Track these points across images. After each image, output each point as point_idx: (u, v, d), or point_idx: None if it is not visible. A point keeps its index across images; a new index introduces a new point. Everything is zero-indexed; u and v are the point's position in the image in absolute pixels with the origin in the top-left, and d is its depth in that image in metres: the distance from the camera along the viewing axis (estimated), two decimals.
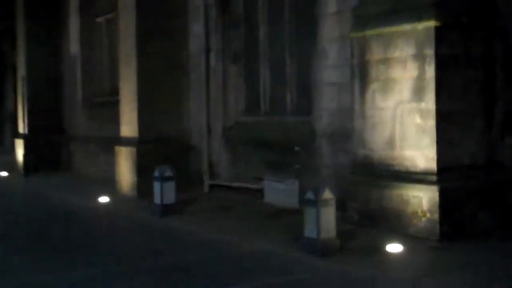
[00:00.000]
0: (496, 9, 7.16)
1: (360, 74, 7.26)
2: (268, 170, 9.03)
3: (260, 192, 9.03)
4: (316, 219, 5.90)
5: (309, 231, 6.02)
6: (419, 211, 6.52)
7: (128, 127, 10.40)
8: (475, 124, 6.90)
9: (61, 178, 13.28)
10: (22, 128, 14.99)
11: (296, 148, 8.50)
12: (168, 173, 8.16)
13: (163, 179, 8.13)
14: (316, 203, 5.90)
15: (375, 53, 7.09)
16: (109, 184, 10.73)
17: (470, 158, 6.84)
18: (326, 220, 5.94)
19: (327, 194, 5.98)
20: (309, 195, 6.01)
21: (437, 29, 6.52)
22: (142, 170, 9.80)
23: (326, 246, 5.94)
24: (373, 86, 7.12)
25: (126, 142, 10.42)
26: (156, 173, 8.20)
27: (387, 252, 6.00)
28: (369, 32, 7.16)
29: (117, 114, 11.00)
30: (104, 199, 9.64)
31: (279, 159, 8.87)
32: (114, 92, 12.21)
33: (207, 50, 10.15)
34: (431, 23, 6.54)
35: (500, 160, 7.14)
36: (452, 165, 6.66)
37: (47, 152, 14.41)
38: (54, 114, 14.76)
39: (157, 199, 8.28)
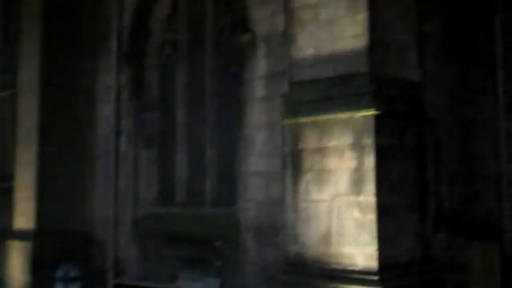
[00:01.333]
0: (425, 100, 7.09)
1: (293, 164, 6.77)
2: (184, 267, 8.20)
3: None
4: None
5: None
6: None
7: (23, 217, 9.33)
8: (411, 219, 6.59)
9: None
10: None
11: (217, 243, 7.80)
12: (74, 273, 7.16)
13: (68, 280, 7.08)
14: None
15: (310, 142, 6.65)
16: None
17: (407, 254, 6.46)
18: None
19: None
20: None
21: (376, 118, 6.24)
22: (38, 267, 8.70)
23: None
24: (307, 177, 6.63)
25: (20, 234, 9.31)
26: (59, 273, 7.16)
27: None
28: (302, 120, 6.75)
29: (6, 202, 9.91)
30: None
31: (198, 255, 8.12)
32: (3, 177, 11.06)
33: (118, 134, 9.47)
34: (370, 112, 6.24)
35: (433, 256, 6.84)
36: (392, 263, 6.22)
37: None
38: None
39: None
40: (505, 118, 8.08)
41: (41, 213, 9.16)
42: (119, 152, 9.49)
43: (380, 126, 6.26)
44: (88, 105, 9.90)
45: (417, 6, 7.08)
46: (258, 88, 7.69)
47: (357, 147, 6.27)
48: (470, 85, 8.09)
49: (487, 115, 8.19)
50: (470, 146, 7.97)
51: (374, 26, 6.51)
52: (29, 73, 9.66)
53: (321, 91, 6.69)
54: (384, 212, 6.16)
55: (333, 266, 6.29)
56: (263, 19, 7.77)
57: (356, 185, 6.23)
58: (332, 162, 6.44)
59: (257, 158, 7.61)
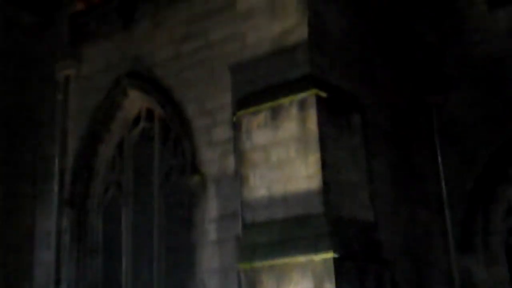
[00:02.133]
0: (380, 240, 6.98)
1: None
2: None
3: None
4: None
5: None
6: None
7: None
8: None
9: None
10: None
11: None
12: None
13: None
14: None
15: (267, 287, 6.31)
16: None
17: None
18: None
19: None
20: None
21: (335, 261, 6.02)
22: None
23: None
24: None
25: None
26: None
27: None
28: (258, 264, 6.45)
29: None
30: None
31: None
32: None
33: (57, 282, 8.77)
34: (329, 255, 6.02)
35: None
36: None
37: None
38: None
39: None
40: (456, 257, 8.08)
41: None
42: None
43: (340, 270, 6.04)
44: (26, 251, 9.29)
45: (365, 144, 7.17)
46: (209, 231, 7.39)
47: None
48: (420, 225, 8.13)
49: (438, 254, 8.19)
50: (425, 286, 7.85)
51: (327, 166, 6.47)
52: None
53: (277, 233, 6.48)
54: None
55: None
56: (213, 160, 7.65)
57: None
58: None
59: None
